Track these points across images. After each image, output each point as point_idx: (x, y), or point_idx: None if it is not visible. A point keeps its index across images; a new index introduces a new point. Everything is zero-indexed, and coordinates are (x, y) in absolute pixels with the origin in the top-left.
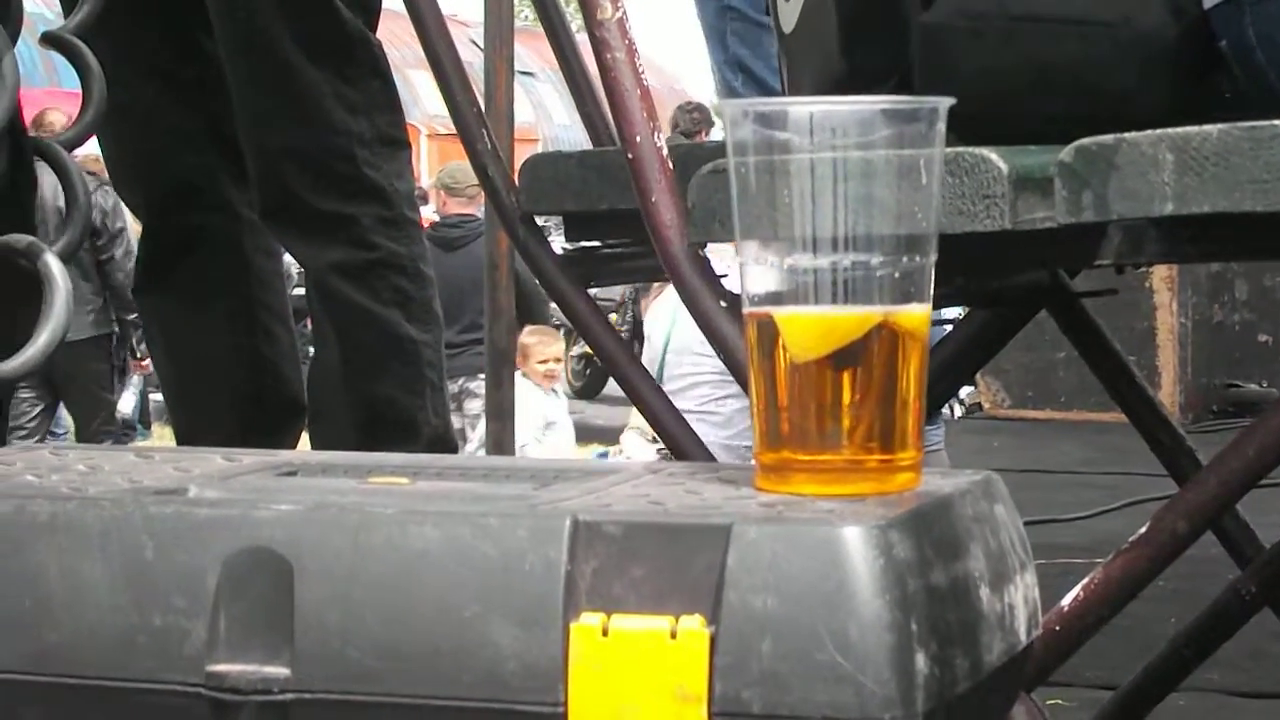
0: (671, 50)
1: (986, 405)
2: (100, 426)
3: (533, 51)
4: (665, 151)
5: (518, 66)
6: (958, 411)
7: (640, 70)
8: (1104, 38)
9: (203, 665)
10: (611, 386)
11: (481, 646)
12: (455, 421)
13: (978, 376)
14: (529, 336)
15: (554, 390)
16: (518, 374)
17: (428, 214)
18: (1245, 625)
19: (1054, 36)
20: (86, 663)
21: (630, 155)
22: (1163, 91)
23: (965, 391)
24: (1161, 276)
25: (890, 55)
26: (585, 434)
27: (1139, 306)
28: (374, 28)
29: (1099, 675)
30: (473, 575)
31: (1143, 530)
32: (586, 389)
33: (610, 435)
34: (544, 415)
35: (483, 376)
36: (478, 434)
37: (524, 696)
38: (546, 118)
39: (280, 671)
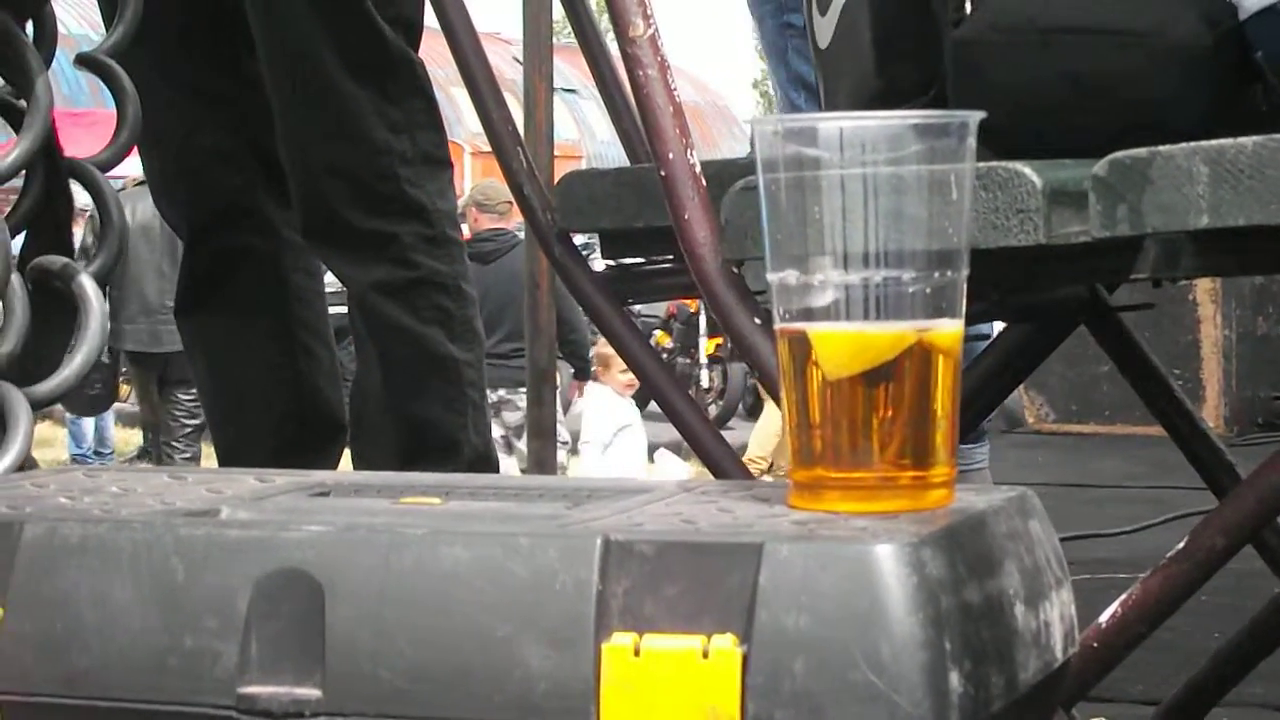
0: (717, 68)
1: (1030, 420)
2: (185, 436)
3: (575, 68)
4: (698, 169)
5: (561, 83)
6: (1002, 425)
7: (673, 87)
8: (1138, 47)
9: (234, 687)
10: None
11: (513, 667)
12: (495, 430)
13: (1022, 391)
14: (608, 346)
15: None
16: (592, 382)
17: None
18: None
19: (1087, 48)
20: (117, 685)
21: (663, 173)
22: (1199, 101)
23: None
24: (1205, 289)
25: (924, 70)
26: None
27: (1182, 320)
28: (416, 46)
29: (1143, 690)
30: (504, 595)
31: (1181, 546)
32: None
33: (651, 451)
34: (616, 420)
35: (523, 390)
36: (523, 444)
37: (556, 717)
38: (590, 134)
39: (312, 693)
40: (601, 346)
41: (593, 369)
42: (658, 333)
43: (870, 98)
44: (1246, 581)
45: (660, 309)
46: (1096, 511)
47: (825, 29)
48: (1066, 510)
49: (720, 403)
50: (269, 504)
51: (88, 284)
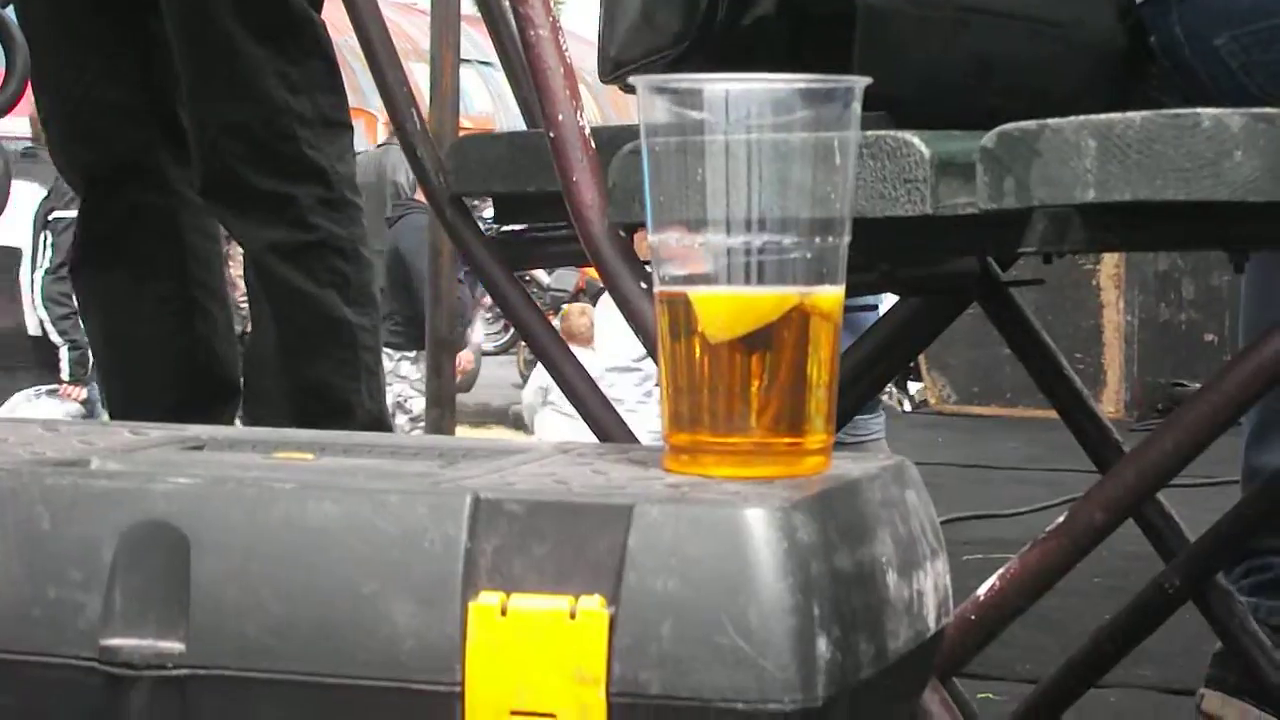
0: None
1: (932, 401)
2: None
3: (491, 41)
4: (588, 131)
5: (478, 56)
6: (906, 406)
7: (565, 48)
8: (1056, 38)
9: (97, 639)
10: None
11: (379, 624)
12: None
13: (924, 371)
14: None
15: None
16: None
17: None
18: (1180, 620)
19: (1003, 31)
20: None
21: (552, 134)
22: (1104, 97)
23: (914, 388)
24: (1108, 275)
25: (685, 18)
26: None
27: (1085, 304)
28: (319, 7)
29: (1029, 669)
30: (371, 552)
31: (1060, 520)
32: None
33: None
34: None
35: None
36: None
37: (421, 675)
38: (504, 108)
39: (175, 646)
40: None
41: None
42: (566, 306)
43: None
44: (1138, 564)
45: (570, 283)
46: (994, 492)
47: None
48: (964, 490)
49: None
50: (140, 456)
51: None
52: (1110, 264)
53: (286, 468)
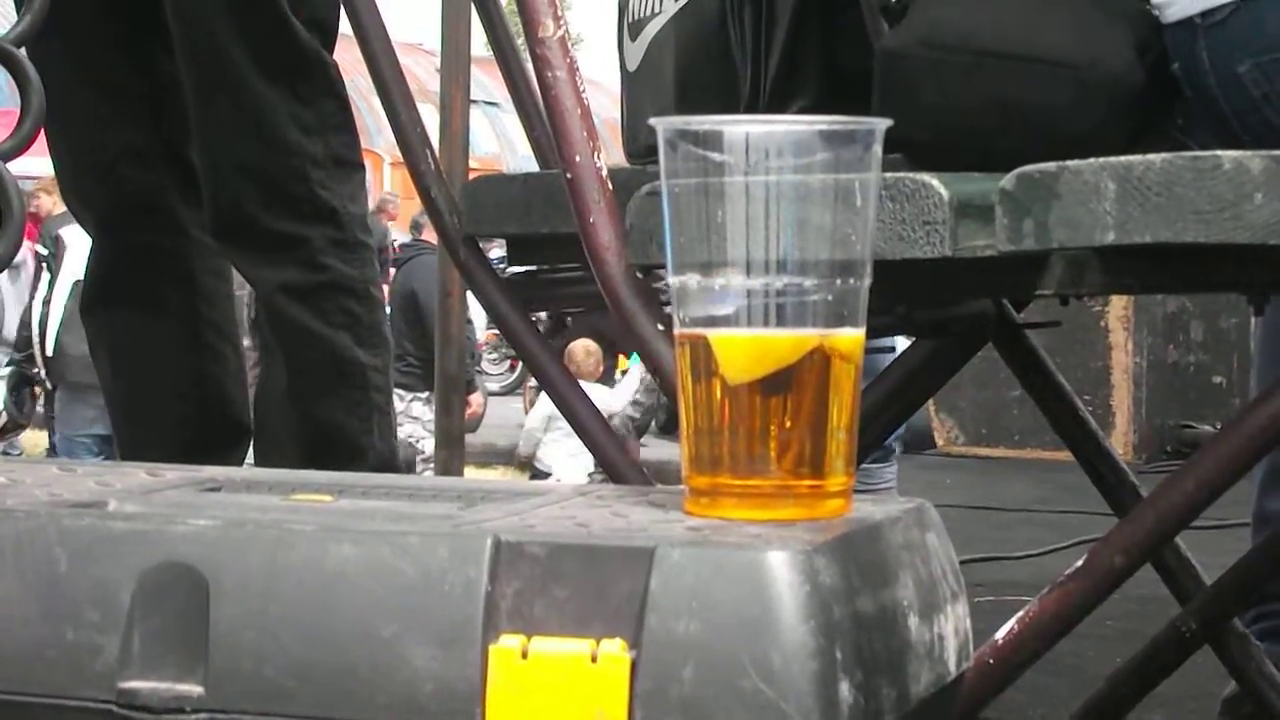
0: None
1: (940, 442)
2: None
3: (498, 82)
4: (605, 172)
5: (483, 97)
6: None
7: (582, 89)
8: (1071, 80)
9: (114, 682)
10: None
11: (399, 667)
12: None
13: (932, 413)
14: None
15: None
16: None
17: None
18: (1191, 665)
19: (1018, 74)
20: None
21: (569, 175)
22: (1123, 134)
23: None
24: (1117, 316)
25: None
26: None
27: (1094, 346)
28: (331, 48)
29: (1043, 714)
30: (391, 595)
31: (1079, 564)
32: None
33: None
34: None
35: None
36: None
37: (441, 718)
38: (510, 149)
39: (194, 689)
40: None
41: None
42: (571, 345)
43: None
44: (1151, 607)
45: None
46: (1003, 534)
47: (634, 55)
48: (973, 532)
49: None
50: (157, 498)
51: None
52: (1119, 305)
53: (305, 510)
